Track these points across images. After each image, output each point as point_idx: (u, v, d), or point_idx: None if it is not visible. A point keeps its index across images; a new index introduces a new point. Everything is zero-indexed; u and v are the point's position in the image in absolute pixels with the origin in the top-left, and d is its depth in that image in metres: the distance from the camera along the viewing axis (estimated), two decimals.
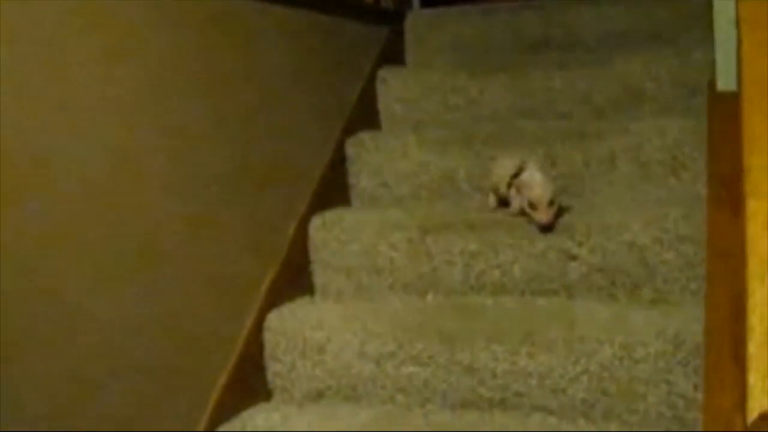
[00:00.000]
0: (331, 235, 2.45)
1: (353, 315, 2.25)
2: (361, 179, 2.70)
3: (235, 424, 2.12)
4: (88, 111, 1.78)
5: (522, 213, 2.25)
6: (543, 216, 2.19)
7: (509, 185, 2.29)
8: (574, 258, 2.20)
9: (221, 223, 2.19)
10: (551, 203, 2.20)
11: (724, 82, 2.15)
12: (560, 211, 2.24)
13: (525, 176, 2.23)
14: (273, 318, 2.28)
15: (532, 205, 2.20)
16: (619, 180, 2.44)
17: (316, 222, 2.49)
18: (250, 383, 2.22)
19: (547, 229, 2.21)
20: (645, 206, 2.29)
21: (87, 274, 1.78)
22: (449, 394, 2.08)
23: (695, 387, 1.89)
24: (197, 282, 2.10)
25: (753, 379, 0.81)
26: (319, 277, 2.48)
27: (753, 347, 0.84)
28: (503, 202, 2.36)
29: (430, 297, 2.34)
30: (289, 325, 2.26)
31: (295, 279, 2.42)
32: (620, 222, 2.20)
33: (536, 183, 2.19)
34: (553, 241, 2.22)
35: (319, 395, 2.21)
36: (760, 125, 1.04)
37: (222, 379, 2.15)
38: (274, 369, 2.26)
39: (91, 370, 1.79)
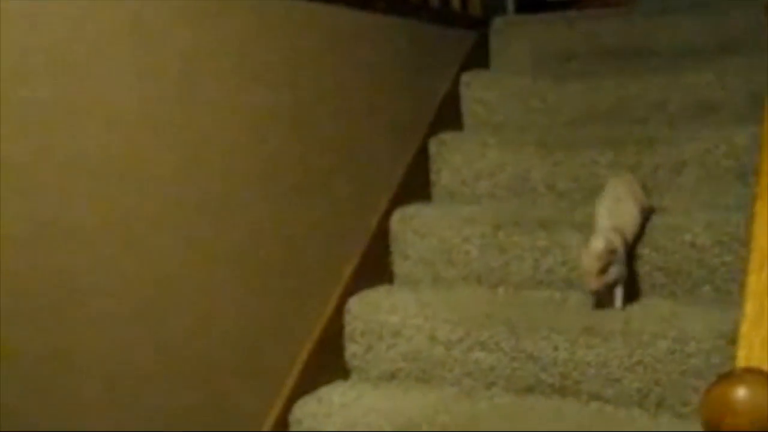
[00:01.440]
0: (410, 227, 2.62)
1: (427, 302, 2.41)
2: (441, 177, 2.85)
3: (312, 398, 2.30)
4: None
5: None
6: (591, 283, 2.24)
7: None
8: (636, 256, 2.33)
9: (310, 215, 2.37)
10: (602, 271, 2.22)
11: None
12: (616, 282, 2.27)
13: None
14: (353, 303, 2.46)
15: (584, 272, 2.25)
16: (686, 185, 2.54)
17: (396, 215, 2.66)
18: (329, 362, 2.40)
19: (596, 295, 2.28)
20: (709, 210, 2.40)
21: (190, 255, 1.99)
22: (513, 380, 2.23)
23: None
24: (287, 268, 2.29)
25: (740, 354, 0.95)
26: (398, 266, 2.65)
27: (745, 327, 0.98)
28: None
29: (500, 290, 2.49)
30: (368, 309, 2.43)
31: (375, 268, 2.59)
32: (683, 224, 2.32)
33: (589, 254, 2.23)
34: None
35: (392, 376, 2.38)
36: None
37: (303, 357, 2.34)
38: (352, 350, 2.44)
39: (179, 348, 2.00)
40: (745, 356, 0.93)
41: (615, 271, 2.24)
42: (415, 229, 2.62)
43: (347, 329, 2.44)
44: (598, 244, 2.23)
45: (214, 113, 2.06)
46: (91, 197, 1.77)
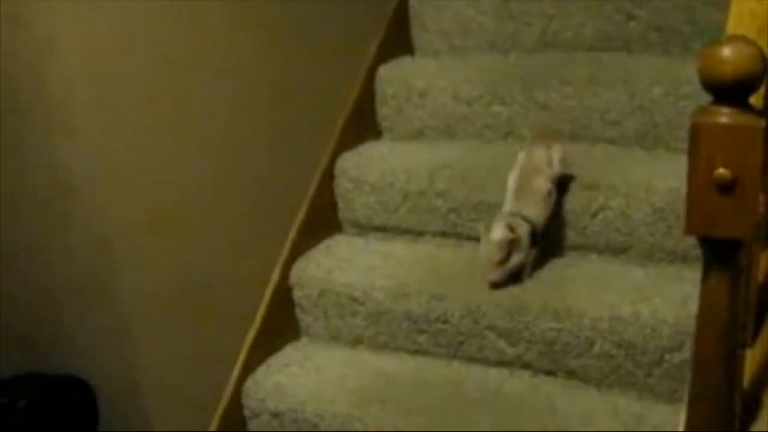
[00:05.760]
0: (428, 2, 2.88)
1: (448, 67, 2.71)
2: None
3: (353, 153, 2.64)
4: None
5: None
6: (490, 274, 2.22)
7: None
8: (634, 18, 2.60)
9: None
10: (503, 261, 2.19)
11: None
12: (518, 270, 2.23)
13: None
14: (382, 71, 2.75)
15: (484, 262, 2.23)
16: None
17: None
18: (364, 123, 2.72)
19: (494, 284, 2.22)
20: None
21: None
22: (527, 128, 2.55)
23: None
24: (326, 42, 2.57)
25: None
26: (417, 40, 2.92)
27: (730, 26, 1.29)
28: None
29: (513, 55, 2.78)
30: (396, 75, 2.73)
31: (397, 40, 2.87)
32: None
33: (490, 242, 2.19)
34: (617, 4, 2.62)
35: (420, 133, 2.70)
36: None
37: (342, 120, 2.66)
38: (383, 113, 2.75)
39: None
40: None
41: (517, 259, 2.20)
42: (433, 3, 2.88)
43: (378, 94, 2.75)
44: (497, 233, 2.17)
45: None
46: None
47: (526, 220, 2.21)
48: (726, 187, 1.10)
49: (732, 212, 1.11)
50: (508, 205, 2.25)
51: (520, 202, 2.23)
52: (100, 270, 2.14)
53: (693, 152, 1.11)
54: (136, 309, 2.18)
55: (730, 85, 1.08)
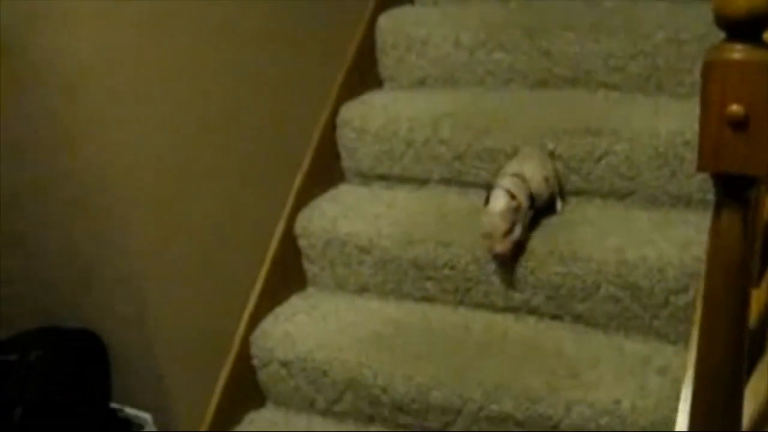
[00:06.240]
0: None
1: (448, 15, 2.71)
2: None
3: (356, 102, 2.64)
4: None
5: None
6: (497, 246, 2.12)
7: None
8: None
9: None
10: (508, 232, 2.10)
11: None
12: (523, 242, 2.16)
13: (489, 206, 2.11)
14: (382, 20, 2.75)
15: (488, 235, 2.13)
16: None
17: None
18: (366, 73, 2.72)
19: (502, 257, 2.15)
20: None
21: None
22: (530, 75, 2.55)
23: None
24: None
25: None
26: None
27: None
28: None
29: (513, 2, 2.77)
30: (396, 24, 2.73)
31: None
32: None
33: (492, 213, 2.10)
34: None
35: (422, 82, 2.70)
36: None
37: (344, 68, 2.65)
38: (384, 62, 2.75)
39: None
40: None
41: (521, 228, 2.12)
42: None
43: (378, 44, 2.74)
44: (498, 203, 2.07)
45: None
46: None
47: (524, 179, 2.15)
48: (739, 124, 1.11)
49: (745, 149, 1.12)
50: (505, 169, 2.21)
51: (521, 163, 2.21)
52: (108, 225, 2.15)
53: (706, 89, 1.11)
54: (144, 262, 2.19)
55: (744, 21, 1.08)
